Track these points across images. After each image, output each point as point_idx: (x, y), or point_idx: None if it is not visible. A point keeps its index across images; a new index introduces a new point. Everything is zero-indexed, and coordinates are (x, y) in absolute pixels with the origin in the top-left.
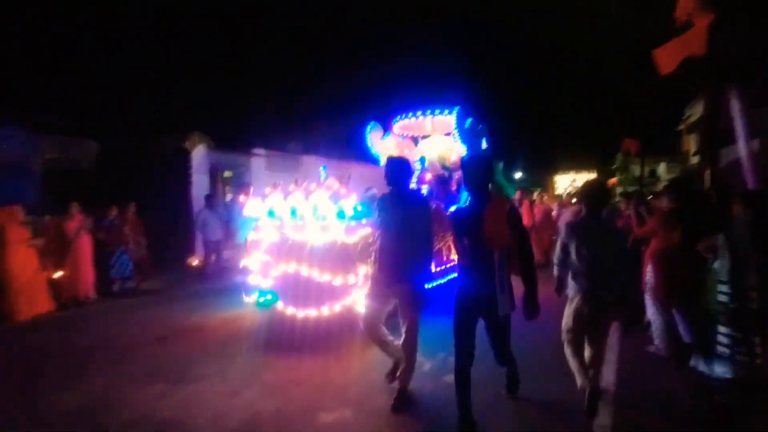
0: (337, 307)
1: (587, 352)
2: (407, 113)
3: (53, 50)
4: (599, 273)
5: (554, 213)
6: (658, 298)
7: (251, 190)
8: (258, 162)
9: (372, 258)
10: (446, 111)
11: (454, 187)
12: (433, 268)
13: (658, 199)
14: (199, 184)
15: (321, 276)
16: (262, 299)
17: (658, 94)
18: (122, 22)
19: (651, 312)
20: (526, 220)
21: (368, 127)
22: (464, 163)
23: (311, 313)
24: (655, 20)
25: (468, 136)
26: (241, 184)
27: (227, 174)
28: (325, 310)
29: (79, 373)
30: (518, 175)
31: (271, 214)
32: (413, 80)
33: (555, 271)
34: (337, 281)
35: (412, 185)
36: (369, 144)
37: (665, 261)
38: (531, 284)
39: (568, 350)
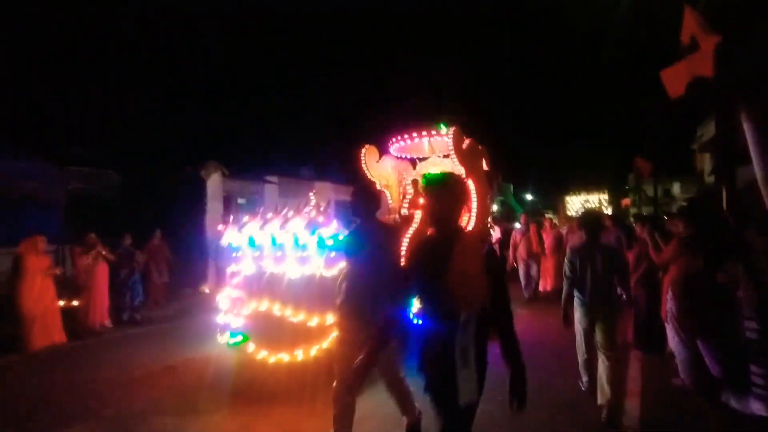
0: (313, 351)
1: (602, 369)
2: (404, 135)
3: (76, 86)
4: (596, 286)
5: (564, 239)
6: (680, 328)
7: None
8: (271, 189)
9: (341, 299)
10: (443, 131)
11: None
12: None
13: (673, 222)
14: (214, 212)
15: (295, 315)
16: (232, 340)
17: (669, 115)
18: (139, 59)
19: (674, 343)
20: (535, 246)
21: (363, 150)
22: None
23: (284, 357)
24: (663, 39)
25: (466, 157)
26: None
27: (241, 201)
28: (300, 354)
29: (86, 406)
30: (529, 196)
31: (251, 243)
32: (415, 102)
33: (564, 289)
34: (313, 321)
35: (404, 210)
36: (364, 167)
37: (687, 289)
38: (516, 362)
39: (579, 359)
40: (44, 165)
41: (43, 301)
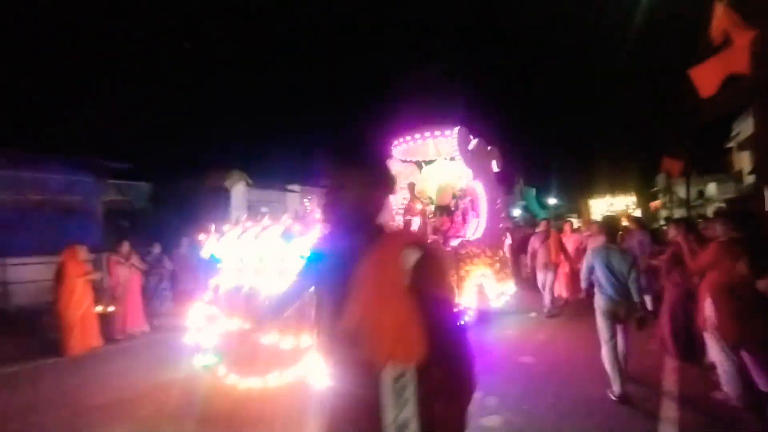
0: (288, 377)
1: (619, 345)
2: (406, 136)
3: (111, 105)
4: (616, 284)
5: (583, 243)
6: (723, 338)
7: (212, 227)
8: (293, 197)
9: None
10: (448, 132)
11: (459, 218)
12: None
13: (710, 226)
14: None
15: (267, 335)
16: (204, 362)
17: (700, 112)
18: (165, 76)
19: (714, 353)
20: (553, 257)
21: None
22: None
23: (255, 382)
24: (691, 36)
25: (472, 159)
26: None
27: (264, 210)
28: (273, 380)
29: (122, 407)
30: (552, 200)
31: (232, 255)
32: (429, 103)
33: (582, 284)
34: (287, 343)
35: (397, 217)
36: None
37: (729, 296)
38: None
39: (604, 353)
40: (85, 178)
41: (81, 307)
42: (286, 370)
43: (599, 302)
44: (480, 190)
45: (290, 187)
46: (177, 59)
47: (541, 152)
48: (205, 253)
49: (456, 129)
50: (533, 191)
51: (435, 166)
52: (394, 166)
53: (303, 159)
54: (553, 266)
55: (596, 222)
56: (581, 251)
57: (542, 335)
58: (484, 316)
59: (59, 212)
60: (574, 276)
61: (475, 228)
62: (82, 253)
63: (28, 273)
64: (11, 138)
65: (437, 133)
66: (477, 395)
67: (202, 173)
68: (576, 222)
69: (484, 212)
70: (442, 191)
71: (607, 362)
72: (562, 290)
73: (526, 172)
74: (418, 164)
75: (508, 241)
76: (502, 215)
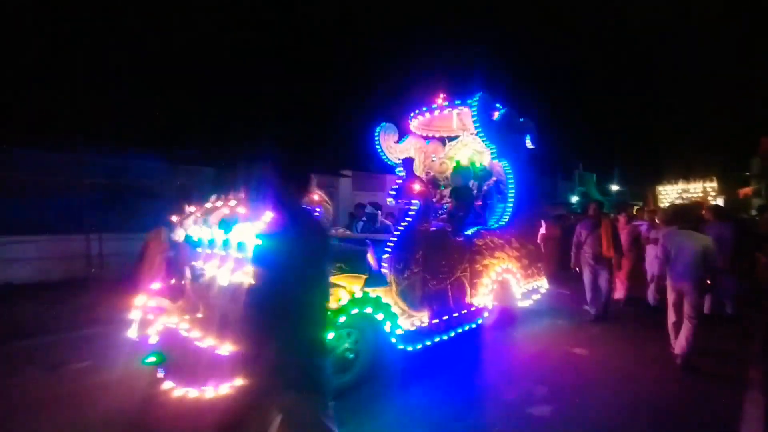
0: (225, 388)
1: (683, 329)
2: (422, 108)
3: (180, 99)
4: (681, 270)
5: (644, 234)
6: None
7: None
8: (345, 182)
9: (243, 321)
10: (470, 101)
11: (479, 203)
12: (425, 320)
13: None
14: None
15: (204, 337)
16: (150, 359)
17: None
18: (229, 76)
19: None
20: (605, 249)
21: (378, 129)
22: None
23: (191, 392)
24: None
25: (496, 132)
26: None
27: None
28: (210, 391)
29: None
30: (615, 187)
31: (188, 239)
32: (475, 72)
33: (657, 269)
34: (225, 349)
35: (389, 201)
36: (380, 149)
37: None
38: None
39: (669, 320)
40: (160, 164)
41: (154, 279)
42: (225, 381)
43: (669, 283)
44: (507, 169)
45: (343, 172)
46: (235, 58)
47: (605, 134)
48: (179, 235)
49: (477, 96)
50: (593, 177)
51: (458, 143)
52: (412, 143)
53: (354, 145)
54: (605, 261)
55: (660, 209)
56: (631, 244)
57: (591, 332)
58: (507, 318)
59: (140, 194)
60: (626, 272)
61: (500, 215)
62: (165, 234)
63: (116, 246)
64: (101, 129)
65: (458, 102)
66: (525, 384)
67: (258, 159)
68: (634, 211)
69: (512, 196)
70: (460, 171)
71: (670, 325)
72: (618, 292)
73: (586, 157)
74: (442, 141)
75: (542, 230)
76: (538, 200)
